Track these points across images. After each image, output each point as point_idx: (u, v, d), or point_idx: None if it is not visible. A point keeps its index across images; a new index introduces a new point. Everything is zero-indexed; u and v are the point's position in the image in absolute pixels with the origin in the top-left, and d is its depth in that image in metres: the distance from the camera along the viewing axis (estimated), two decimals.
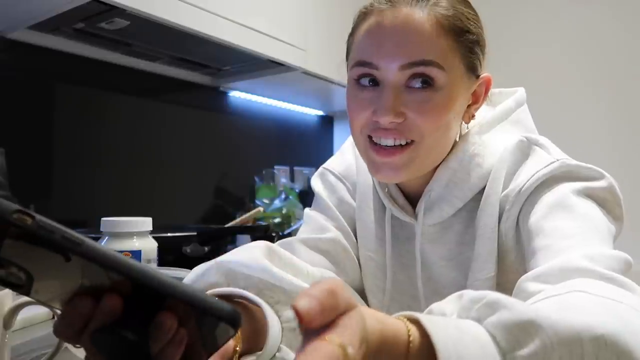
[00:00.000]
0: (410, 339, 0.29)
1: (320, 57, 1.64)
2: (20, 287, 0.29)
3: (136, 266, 0.28)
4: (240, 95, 1.88)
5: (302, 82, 1.74)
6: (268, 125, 2.03)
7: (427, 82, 0.56)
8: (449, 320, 0.31)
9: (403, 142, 0.57)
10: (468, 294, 0.34)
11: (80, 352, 0.58)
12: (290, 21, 1.53)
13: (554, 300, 0.36)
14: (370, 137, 0.59)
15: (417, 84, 0.56)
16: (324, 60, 1.65)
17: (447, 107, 0.57)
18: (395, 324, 0.29)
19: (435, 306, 0.35)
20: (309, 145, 2.26)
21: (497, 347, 0.29)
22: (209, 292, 0.49)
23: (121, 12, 1.08)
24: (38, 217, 0.25)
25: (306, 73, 1.61)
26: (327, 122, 2.40)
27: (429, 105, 0.56)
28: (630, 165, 1.72)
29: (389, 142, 0.57)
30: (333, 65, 1.68)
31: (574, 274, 0.41)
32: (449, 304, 0.35)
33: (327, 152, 2.36)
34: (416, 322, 0.30)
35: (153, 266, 0.80)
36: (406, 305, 0.69)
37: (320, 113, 2.33)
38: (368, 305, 0.71)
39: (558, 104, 1.84)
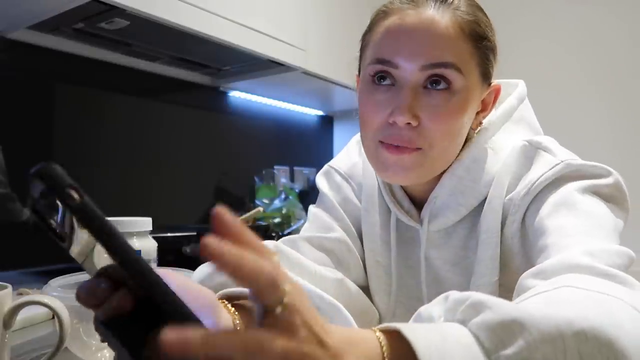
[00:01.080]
0: (382, 345, 0.30)
1: (320, 57, 1.64)
2: (64, 242, 0.30)
3: (156, 282, 0.27)
4: (240, 95, 1.88)
5: (302, 82, 1.74)
6: (268, 125, 2.03)
7: (445, 85, 0.56)
8: (431, 326, 0.31)
9: (413, 147, 0.57)
10: (453, 295, 0.34)
11: (80, 353, 0.58)
12: (290, 21, 1.53)
13: (543, 296, 0.37)
14: (380, 142, 0.59)
15: (435, 85, 0.56)
16: (324, 60, 1.65)
17: (461, 112, 0.56)
18: (360, 330, 0.30)
19: (423, 309, 0.36)
20: (308, 145, 2.26)
21: (481, 347, 0.30)
22: (220, 292, 0.49)
23: (121, 12, 1.08)
24: (87, 198, 0.27)
25: (306, 73, 1.61)
26: (327, 122, 2.40)
27: (444, 109, 0.55)
28: (631, 162, 1.72)
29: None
30: (333, 65, 1.68)
31: (573, 270, 0.41)
32: (436, 306, 0.35)
33: (327, 152, 2.36)
34: (396, 332, 0.30)
35: (153, 266, 0.81)
36: (412, 308, 0.68)
37: (320, 113, 2.33)
38: (375, 307, 0.71)
39: (559, 101, 1.84)
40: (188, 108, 1.68)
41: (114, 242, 0.27)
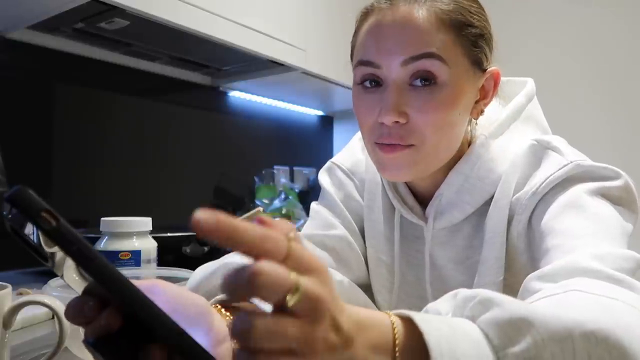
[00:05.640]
0: (395, 330, 0.29)
1: (320, 57, 1.64)
2: (47, 261, 0.31)
3: (140, 301, 0.27)
4: (240, 96, 1.88)
5: (302, 82, 1.74)
6: (268, 125, 2.03)
7: (430, 79, 0.55)
8: (442, 318, 0.31)
9: (405, 144, 0.57)
10: (462, 292, 0.34)
11: (80, 353, 0.58)
12: (290, 21, 1.53)
13: (551, 299, 0.36)
14: (375, 143, 0.59)
15: (420, 81, 0.55)
16: (324, 60, 1.65)
17: (452, 104, 0.56)
18: (374, 313, 0.30)
19: (431, 306, 0.36)
20: (308, 145, 2.26)
21: (489, 344, 0.30)
22: (215, 298, 0.48)
23: (121, 12, 1.08)
24: (62, 221, 0.26)
25: (306, 73, 1.61)
26: (326, 122, 2.39)
27: (432, 103, 0.55)
28: (633, 162, 1.72)
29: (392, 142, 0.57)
30: (333, 65, 1.68)
31: (579, 273, 0.40)
32: (444, 302, 0.35)
33: (327, 152, 2.36)
34: (408, 320, 0.30)
35: (153, 266, 0.80)
36: (414, 305, 0.68)
37: (320, 113, 2.33)
38: (375, 304, 0.71)
39: (561, 102, 1.84)
40: (188, 108, 1.68)
41: (91, 263, 0.27)
